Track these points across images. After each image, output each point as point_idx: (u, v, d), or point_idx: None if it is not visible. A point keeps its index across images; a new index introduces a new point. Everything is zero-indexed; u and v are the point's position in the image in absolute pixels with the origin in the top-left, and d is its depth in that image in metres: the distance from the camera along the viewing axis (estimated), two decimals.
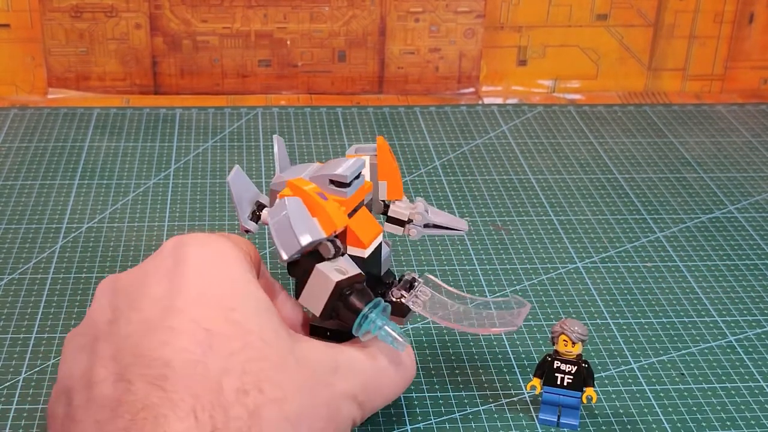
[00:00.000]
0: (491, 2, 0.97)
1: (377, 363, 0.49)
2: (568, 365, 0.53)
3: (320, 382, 0.44)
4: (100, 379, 0.40)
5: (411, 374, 0.51)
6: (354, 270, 0.49)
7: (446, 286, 0.55)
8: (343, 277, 0.48)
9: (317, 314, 0.49)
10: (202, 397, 0.39)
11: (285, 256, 0.48)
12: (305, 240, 0.48)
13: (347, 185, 0.50)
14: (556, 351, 0.53)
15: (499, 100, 0.99)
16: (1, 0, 0.93)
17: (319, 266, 0.49)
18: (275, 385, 0.41)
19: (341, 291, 0.48)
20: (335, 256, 0.49)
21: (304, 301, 0.50)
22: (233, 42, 0.96)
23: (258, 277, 0.49)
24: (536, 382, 0.54)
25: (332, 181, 0.50)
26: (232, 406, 0.39)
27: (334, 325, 0.51)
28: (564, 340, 0.52)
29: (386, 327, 0.48)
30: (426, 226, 0.55)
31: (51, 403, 0.44)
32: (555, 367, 0.53)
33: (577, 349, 0.52)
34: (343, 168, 0.50)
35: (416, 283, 0.53)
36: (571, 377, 0.53)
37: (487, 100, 0.99)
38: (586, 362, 0.53)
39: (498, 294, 0.66)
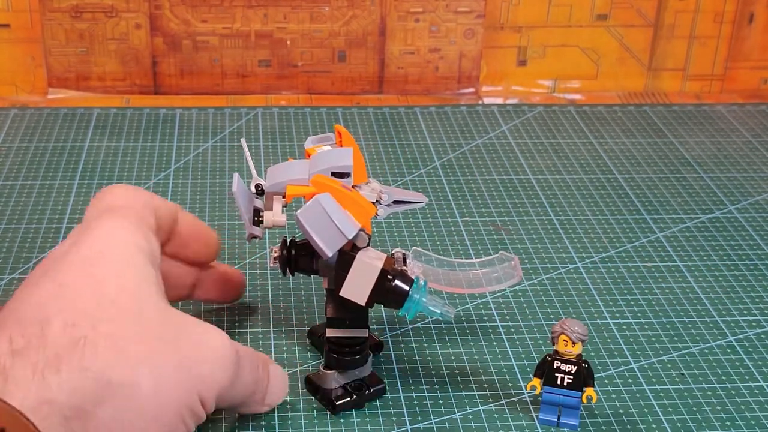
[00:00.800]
0: (491, 2, 0.97)
1: (249, 352, 0.50)
2: (568, 365, 0.53)
3: (186, 340, 0.46)
4: None
5: (259, 379, 0.52)
6: (383, 255, 0.51)
7: (435, 255, 0.56)
8: (382, 263, 0.50)
9: (362, 303, 0.50)
10: (27, 327, 0.42)
11: (330, 253, 0.49)
12: (352, 233, 0.49)
13: (348, 175, 0.51)
14: (556, 351, 0.53)
15: (499, 100, 0.99)
16: (1, 0, 0.93)
17: (360, 256, 0.50)
18: (115, 324, 0.44)
19: (385, 277, 0.50)
20: (367, 245, 0.51)
21: (347, 292, 0.50)
22: (233, 42, 0.96)
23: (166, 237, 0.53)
24: (536, 382, 0.54)
25: (334, 173, 0.51)
26: (55, 334, 0.42)
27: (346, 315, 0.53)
28: (564, 340, 0.52)
29: (430, 303, 0.51)
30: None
31: None
32: (555, 367, 0.53)
33: (577, 349, 0.52)
34: (344, 159, 0.51)
35: (408, 259, 0.54)
36: (571, 377, 0.53)
37: (487, 100, 0.99)
38: (586, 362, 0.53)
39: (497, 294, 0.66)
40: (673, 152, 0.88)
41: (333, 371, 0.54)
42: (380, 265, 0.50)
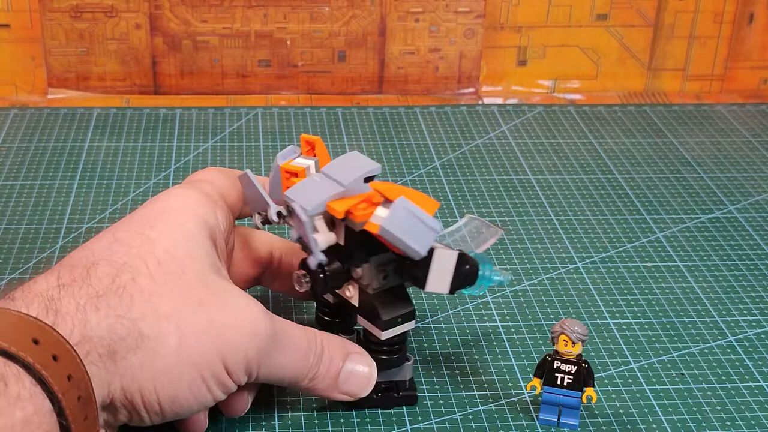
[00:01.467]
0: (491, 2, 0.97)
1: (301, 341, 0.51)
2: (568, 365, 0.53)
3: (221, 305, 0.47)
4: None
5: (316, 372, 0.52)
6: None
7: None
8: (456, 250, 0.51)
9: (446, 292, 0.51)
10: (75, 269, 0.45)
11: (424, 252, 0.49)
12: (439, 226, 0.50)
13: (376, 177, 0.52)
14: (556, 351, 0.53)
15: (499, 100, 0.99)
16: (1, 0, 0.93)
17: (438, 249, 0.50)
18: (154, 281, 0.46)
19: (462, 262, 0.51)
20: None
21: (431, 286, 0.51)
22: (233, 42, 0.96)
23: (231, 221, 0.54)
24: (536, 382, 0.54)
25: (366, 178, 0.51)
26: (98, 277, 0.45)
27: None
28: (564, 340, 0.52)
29: (494, 274, 0.54)
30: None
31: None
32: (555, 367, 0.53)
33: (577, 349, 0.52)
34: (369, 163, 0.52)
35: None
36: (571, 377, 0.53)
37: (487, 100, 0.99)
38: (586, 362, 0.53)
39: (497, 294, 0.66)
40: (673, 152, 0.88)
41: None
42: (456, 251, 0.51)
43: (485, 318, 0.63)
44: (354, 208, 0.50)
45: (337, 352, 0.52)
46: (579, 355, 0.53)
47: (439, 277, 0.51)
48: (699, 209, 0.78)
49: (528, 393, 0.56)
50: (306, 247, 0.52)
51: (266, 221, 0.52)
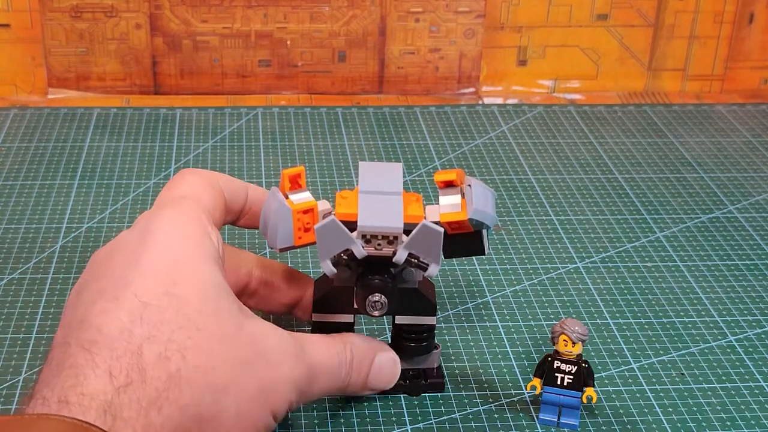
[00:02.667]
0: (491, 2, 0.97)
1: (332, 360, 0.51)
2: (568, 365, 0.53)
3: (263, 360, 0.47)
4: (55, 344, 0.45)
5: (349, 381, 0.52)
6: None
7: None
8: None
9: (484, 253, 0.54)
10: (122, 358, 0.42)
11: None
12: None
13: None
14: (556, 351, 0.53)
15: (499, 100, 0.99)
16: (1, 0, 0.93)
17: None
18: (204, 353, 0.44)
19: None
20: None
21: (487, 248, 0.54)
22: (233, 42, 0.96)
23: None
24: (536, 382, 0.54)
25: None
26: (151, 368, 0.42)
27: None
28: (564, 340, 0.52)
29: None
30: None
31: None
32: (555, 367, 0.53)
33: (577, 349, 0.52)
34: (390, 165, 0.55)
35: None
36: (571, 377, 0.53)
37: (487, 100, 0.99)
38: (586, 362, 0.53)
39: (497, 294, 0.66)
40: (673, 152, 0.88)
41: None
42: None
43: (485, 318, 0.63)
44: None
45: (365, 355, 0.53)
46: (579, 355, 0.53)
47: (486, 240, 0.54)
48: (699, 209, 0.78)
49: (528, 393, 0.56)
50: (418, 265, 0.51)
51: (338, 263, 0.51)
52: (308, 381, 0.49)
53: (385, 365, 0.54)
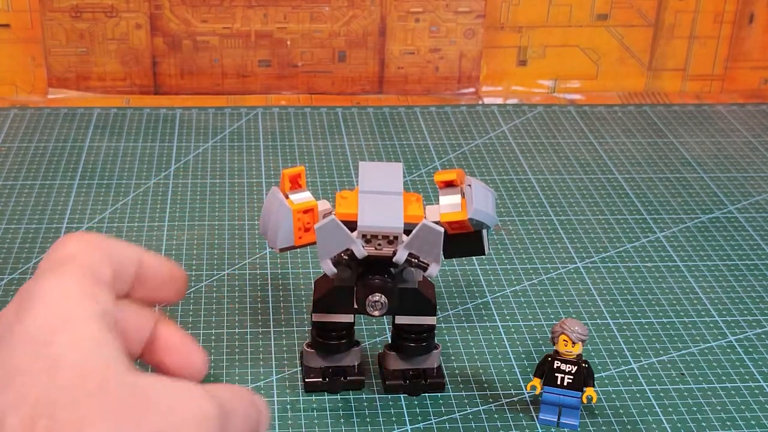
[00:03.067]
0: (491, 2, 0.97)
1: (243, 396, 0.46)
2: (568, 365, 0.53)
3: (153, 409, 0.42)
4: None
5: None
6: None
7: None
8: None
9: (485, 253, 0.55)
10: None
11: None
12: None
13: None
14: (556, 351, 0.53)
15: (499, 100, 0.99)
16: (1, 0, 0.93)
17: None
18: (78, 408, 0.40)
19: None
20: None
21: (487, 249, 0.55)
22: (233, 42, 0.96)
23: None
24: (536, 382, 0.54)
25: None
26: None
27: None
28: (564, 340, 0.52)
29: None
30: None
31: None
32: (555, 367, 0.53)
33: (577, 349, 0.52)
34: (389, 164, 0.55)
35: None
36: (571, 377, 0.53)
37: (487, 100, 0.99)
38: (586, 362, 0.53)
39: (497, 294, 0.66)
40: (673, 152, 0.88)
41: (394, 353, 0.56)
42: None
43: (485, 318, 0.63)
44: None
45: (249, 399, 0.48)
46: (579, 355, 0.53)
47: (486, 240, 0.54)
48: (699, 209, 0.78)
49: (528, 393, 0.56)
50: (418, 265, 0.51)
51: (338, 262, 0.51)
52: (223, 423, 0.44)
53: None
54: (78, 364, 0.41)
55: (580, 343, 0.52)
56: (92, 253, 0.47)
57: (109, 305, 0.45)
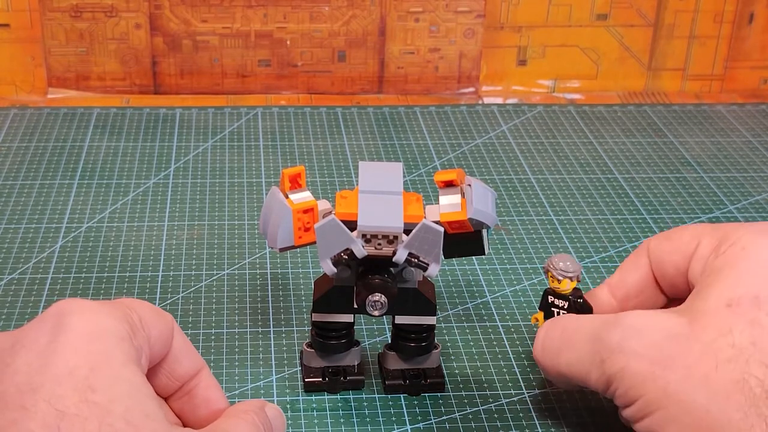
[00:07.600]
0: (491, 2, 0.97)
1: None
2: (561, 300, 0.54)
3: None
4: None
5: None
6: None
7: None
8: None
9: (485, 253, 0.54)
10: None
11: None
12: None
13: None
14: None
15: (499, 100, 0.99)
16: (1, 0, 0.93)
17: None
18: None
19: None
20: None
21: (487, 248, 0.55)
22: (233, 42, 0.96)
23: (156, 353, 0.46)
24: (540, 315, 0.55)
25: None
26: None
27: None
28: (551, 277, 0.53)
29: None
30: None
31: None
32: (550, 302, 0.55)
33: (564, 286, 0.53)
34: (389, 164, 0.55)
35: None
36: (565, 312, 0.54)
37: (487, 100, 0.99)
38: (580, 297, 0.54)
39: (497, 294, 0.66)
40: (673, 152, 0.88)
41: (394, 352, 0.56)
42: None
43: (485, 318, 0.63)
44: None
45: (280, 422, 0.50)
46: (576, 290, 0.54)
47: (486, 240, 0.54)
48: (699, 209, 0.78)
49: (534, 325, 0.56)
50: (418, 264, 0.51)
51: (338, 262, 0.51)
52: None
53: (278, 413, 0.50)
54: (126, 415, 0.40)
55: (568, 279, 0.53)
56: (134, 302, 0.46)
57: (145, 349, 0.44)
